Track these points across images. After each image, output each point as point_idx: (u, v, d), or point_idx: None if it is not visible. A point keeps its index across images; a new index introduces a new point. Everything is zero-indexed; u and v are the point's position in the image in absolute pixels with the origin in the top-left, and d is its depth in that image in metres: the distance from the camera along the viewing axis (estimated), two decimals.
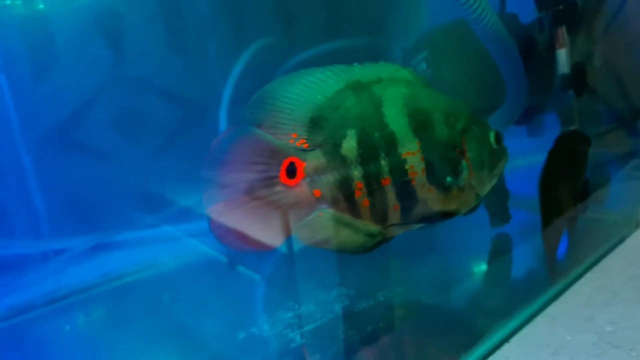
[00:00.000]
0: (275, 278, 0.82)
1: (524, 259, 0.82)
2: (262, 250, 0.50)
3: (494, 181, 0.56)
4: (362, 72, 0.50)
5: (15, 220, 0.87)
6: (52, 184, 0.90)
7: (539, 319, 0.66)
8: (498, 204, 0.82)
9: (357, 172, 0.48)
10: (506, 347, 0.61)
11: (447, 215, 0.52)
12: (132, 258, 0.96)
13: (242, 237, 0.49)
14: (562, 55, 0.85)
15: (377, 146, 0.48)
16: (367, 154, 0.48)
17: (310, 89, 0.49)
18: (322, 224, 0.49)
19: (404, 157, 0.48)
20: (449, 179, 0.50)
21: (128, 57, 0.91)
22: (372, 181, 0.48)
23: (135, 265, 0.95)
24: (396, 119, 0.49)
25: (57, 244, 0.93)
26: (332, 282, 0.75)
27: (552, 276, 0.75)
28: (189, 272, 0.93)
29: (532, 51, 0.86)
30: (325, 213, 0.49)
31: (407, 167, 0.48)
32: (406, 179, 0.49)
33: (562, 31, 0.85)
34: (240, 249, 0.50)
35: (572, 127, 0.85)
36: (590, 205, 0.85)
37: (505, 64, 0.79)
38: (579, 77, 0.87)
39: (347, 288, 0.74)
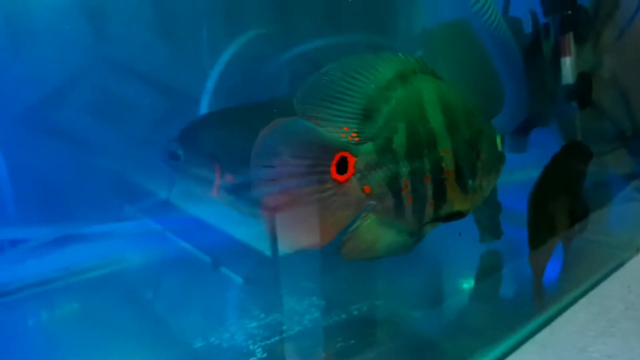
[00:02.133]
0: (248, 282, 0.76)
1: (514, 278, 0.76)
2: (309, 249, 0.49)
3: (493, 185, 0.56)
4: (403, 61, 0.49)
5: None
6: (18, 168, 0.85)
7: (527, 346, 0.60)
8: (489, 218, 0.77)
9: (404, 169, 0.47)
10: None
11: (460, 215, 0.52)
12: (99, 252, 0.90)
13: (290, 233, 0.48)
14: (567, 64, 0.81)
15: (422, 142, 0.47)
16: (414, 149, 0.47)
17: (363, 77, 0.46)
18: (369, 228, 0.48)
19: (441, 155, 0.48)
20: (470, 181, 0.51)
21: (110, 38, 0.87)
22: (416, 178, 0.47)
23: (101, 259, 0.88)
24: (434, 115, 0.48)
25: (18, 233, 0.89)
26: (305, 291, 0.69)
27: (537, 301, 0.69)
28: (158, 270, 0.88)
29: (536, 58, 0.82)
30: (371, 216, 0.48)
31: (443, 165, 0.48)
32: (442, 177, 0.48)
33: (569, 38, 0.81)
34: (289, 246, 0.49)
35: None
36: (587, 226, 0.80)
37: (506, 69, 0.74)
38: (583, 88, 0.82)
39: (319, 298, 0.68)
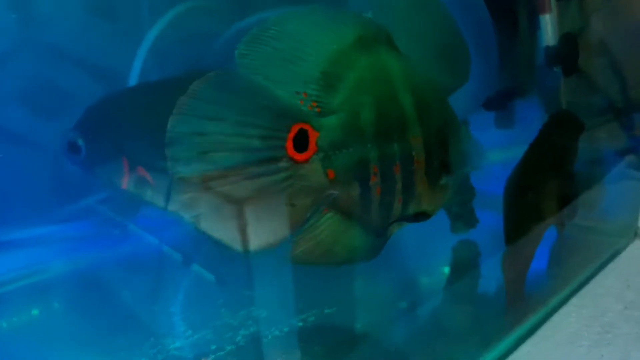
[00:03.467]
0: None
1: (491, 276, 0.66)
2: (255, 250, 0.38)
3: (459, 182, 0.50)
4: (364, 24, 0.41)
5: None
6: None
7: None
8: (461, 205, 0.67)
9: (373, 153, 0.38)
10: None
11: (426, 216, 0.44)
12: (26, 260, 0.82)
13: (229, 229, 0.37)
14: (548, 22, 0.71)
15: (392, 123, 0.39)
16: (384, 130, 0.39)
17: (324, 34, 0.39)
18: (328, 226, 0.39)
19: (411, 141, 0.40)
20: (443, 176, 0.44)
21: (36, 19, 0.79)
22: (386, 165, 0.39)
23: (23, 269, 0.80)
24: (403, 95, 0.40)
25: None
26: (241, 301, 0.60)
27: (512, 310, 0.59)
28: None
29: (509, 16, 0.72)
30: (330, 211, 0.39)
31: (413, 153, 0.40)
32: (412, 167, 0.40)
33: None
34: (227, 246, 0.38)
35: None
36: (578, 211, 0.72)
37: (471, 30, 0.64)
38: (568, 51, 0.73)
39: (259, 308, 0.58)
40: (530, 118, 0.80)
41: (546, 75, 0.75)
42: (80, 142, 0.60)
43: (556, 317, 0.58)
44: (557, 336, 0.54)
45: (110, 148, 0.59)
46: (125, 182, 0.58)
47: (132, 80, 0.79)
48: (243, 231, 0.37)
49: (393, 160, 0.39)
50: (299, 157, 0.36)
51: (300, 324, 0.56)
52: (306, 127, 0.36)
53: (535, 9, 0.70)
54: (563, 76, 0.75)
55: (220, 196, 0.36)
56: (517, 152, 0.66)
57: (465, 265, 0.70)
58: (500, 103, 0.73)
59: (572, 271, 0.66)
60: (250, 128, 0.35)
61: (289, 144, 0.36)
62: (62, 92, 0.81)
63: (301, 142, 0.36)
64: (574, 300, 0.61)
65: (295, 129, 0.36)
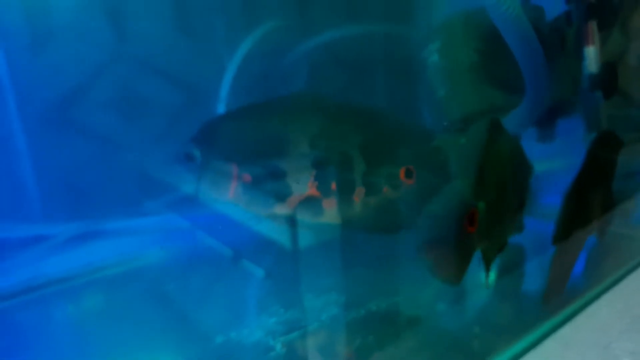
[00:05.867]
0: (268, 277, 0.76)
1: (536, 272, 0.75)
2: None
3: None
4: None
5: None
6: (41, 164, 0.86)
7: (548, 342, 0.59)
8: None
9: None
10: None
11: None
12: (121, 248, 0.91)
13: None
14: (591, 53, 0.78)
15: None
16: None
17: None
18: None
19: None
20: None
21: (128, 34, 0.86)
22: None
23: (123, 255, 0.90)
24: None
25: (42, 230, 0.90)
26: (323, 287, 0.69)
27: (548, 301, 0.68)
28: (180, 266, 0.87)
29: (558, 47, 0.79)
30: None
31: None
32: None
33: (592, 26, 0.78)
34: None
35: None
36: (615, 219, 0.79)
37: (525, 58, 0.72)
38: (608, 77, 0.79)
39: (339, 294, 0.67)
40: (572, 134, 0.87)
41: (589, 97, 0.82)
42: (196, 152, 0.69)
43: (591, 308, 0.66)
44: (592, 323, 0.62)
45: (221, 158, 0.68)
46: (232, 188, 0.68)
47: (221, 94, 0.89)
48: None
49: None
50: None
51: (375, 308, 0.65)
52: None
53: (580, 41, 0.78)
54: (603, 99, 0.82)
55: None
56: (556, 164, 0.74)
57: (511, 264, 0.77)
58: (549, 121, 0.81)
59: (606, 271, 0.73)
60: None
61: None
62: (149, 101, 0.91)
63: None
64: (606, 296, 0.69)
65: None
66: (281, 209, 0.67)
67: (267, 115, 0.66)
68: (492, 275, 0.65)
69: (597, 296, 0.69)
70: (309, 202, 0.66)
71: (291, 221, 0.68)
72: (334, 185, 0.65)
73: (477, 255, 0.67)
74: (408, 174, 0.65)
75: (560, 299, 0.67)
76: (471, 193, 0.51)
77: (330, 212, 0.66)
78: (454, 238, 0.51)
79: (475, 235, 0.51)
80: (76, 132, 0.87)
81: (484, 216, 0.51)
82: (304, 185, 0.65)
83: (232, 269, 0.80)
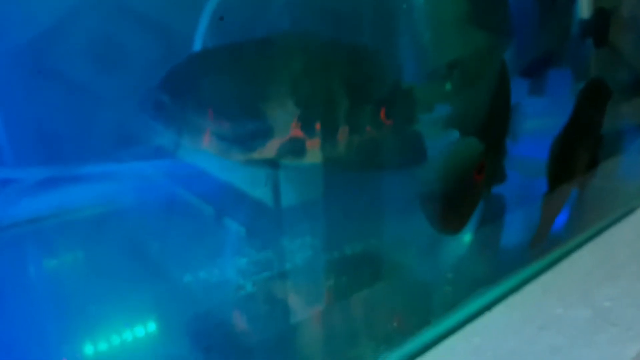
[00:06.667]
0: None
1: (518, 221, 0.73)
2: None
3: None
4: None
5: None
6: (10, 109, 0.83)
7: (528, 287, 0.58)
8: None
9: None
10: (487, 316, 0.53)
11: None
12: (94, 193, 0.87)
13: None
14: None
15: None
16: None
17: None
18: None
19: None
20: None
21: None
22: None
23: (95, 199, 0.86)
24: None
25: (12, 174, 0.87)
26: (298, 231, 0.66)
27: (535, 245, 0.66)
28: (152, 211, 0.85)
29: None
30: None
31: None
32: None
33: None
34: None
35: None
36: (599, 172, 0.77)
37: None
38: (601, 25, 0.76)
39: (313, 238, 0.65)
40: (562, 86, 0.84)
41: (578, 45, 0.79)
42: (166, 99, 0.62)
43: (573, 256, 0.64)
44: (573, 269, 0.61)
45: (194, 105, 0.64)
46: (207, 135, 0.64)
47: (196, 39, 0.85)
48: None
49: None
50: None
51: (349, 252, 0.64)
52: None
53: None
54: (593, 48, 0.79)
55: None
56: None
57: (493, 213, 0.77)
58: (536, 71, 0.78)
59: (589, 222, 0.72)
60: None
61: None
62: (125, 48, 0.88)
63: None
64: (589, 246, 0.68)
65: None
66: (261, 154, 0.64)
67: (247, 56, 0.62)
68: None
69: (580, 245, 0.67)
70: (292, 144, 0.63)
71: (271, 165, 0.65)
72: (318, 126, 0.62)
73: None
74: (388, 114, 0.63)
75: (544, 245, 0.66)
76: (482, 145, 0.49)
77: (314, 152, 0.63)
78: (464, 190, 0.50)
79: (481, 183, 0.49)
80: (47, 78, 0.84)
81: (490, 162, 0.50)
82: (287, 127, 0.62)
83: (205, 216, 0.78)
